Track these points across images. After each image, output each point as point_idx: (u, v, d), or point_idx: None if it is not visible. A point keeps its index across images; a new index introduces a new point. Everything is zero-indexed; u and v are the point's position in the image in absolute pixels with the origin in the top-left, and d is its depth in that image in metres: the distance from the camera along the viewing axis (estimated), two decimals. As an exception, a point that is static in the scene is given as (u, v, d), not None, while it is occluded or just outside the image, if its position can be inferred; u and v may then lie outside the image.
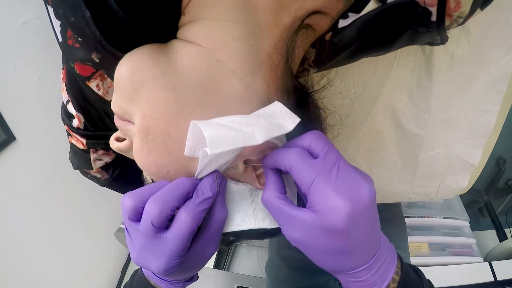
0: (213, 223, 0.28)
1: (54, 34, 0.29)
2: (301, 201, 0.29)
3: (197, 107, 0.25)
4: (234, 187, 0.29)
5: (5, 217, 0.75)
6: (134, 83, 0.25)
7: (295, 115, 0.25)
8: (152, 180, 0.31)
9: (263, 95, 0.26)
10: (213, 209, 0.27)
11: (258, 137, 0.23)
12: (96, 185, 0.53)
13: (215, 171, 0.27)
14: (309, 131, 0.32)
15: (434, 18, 0.23)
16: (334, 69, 0.34)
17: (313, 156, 0.26)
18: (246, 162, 0.28)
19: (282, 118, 0.25)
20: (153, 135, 0.25)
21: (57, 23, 0.27)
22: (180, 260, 0.27)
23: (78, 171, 0.51)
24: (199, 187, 0.26)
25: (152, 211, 0.25)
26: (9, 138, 0.74)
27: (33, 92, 0.77)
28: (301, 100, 0.30)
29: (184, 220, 0.25)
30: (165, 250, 0.26)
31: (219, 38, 0.25)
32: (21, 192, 0.78)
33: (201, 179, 0.27)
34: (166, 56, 0.25)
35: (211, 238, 0.28)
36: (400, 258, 0.30)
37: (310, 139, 0.26)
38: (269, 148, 0.28)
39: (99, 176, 0.49)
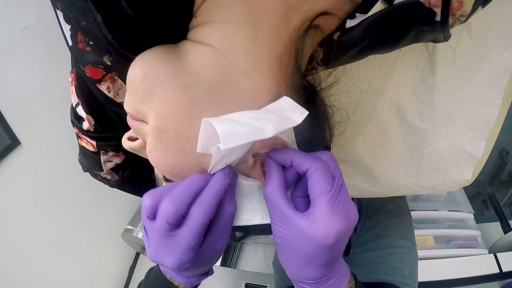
0: (223, 216, 0.28)
1: (63, 37, 0.29)
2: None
3: (210, 106, 0.26)
4: (244, 183, 0.30)
5: (11, 220, 0.75)
6: (148, 84, 0.25)
7: (304, 109, 0.26)
8: (165, 177, 0.31)
9: (273, 93, 0.27)
10: (223, 202, 0.28)
11: (269, 131, 0.24)
12: (101, 187, 0.54)
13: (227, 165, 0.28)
14: (318, 129, 0.33)
15: (438, 18, 0.24)
16: (342, 67, 0.35)
17: None
18: (255, 156, 0.29)
19: (291, 112, 0.26)
20: (166, 134, 0.26)
21: (67, 27, 0.28)
22: (194, 255, 0.27)
23: (84, 174, 0.52)
24: (211, 181, 0.27)
25: (167, 210, 0.26)
26: (14, 142, 0.74)
27: (36, 96, 0.77)
28: (309, 97, 0.31)
29: (197, 215, 0.26)
30: (178, 246, 0.26)
31: (231, 40, 0.26)
32: (28, 196, 0.79)
33: (213, 175, 0.28)
34: (178, 57, 0.26)
35: (222, 231, 0.29)
36: (355, 277, 0.34)
37: (328, 157, 0.28)
38: (278, 143, 0.29)
39: (109, 177, 0.50)
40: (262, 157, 0.29)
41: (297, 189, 0.30)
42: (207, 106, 0.26)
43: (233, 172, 0.28)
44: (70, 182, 0.89)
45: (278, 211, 0.28)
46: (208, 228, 0.28)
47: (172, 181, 0.30)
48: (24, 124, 0.75)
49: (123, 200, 1.13)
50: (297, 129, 0.29)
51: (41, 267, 0.84)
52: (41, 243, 0.83)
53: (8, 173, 0.73)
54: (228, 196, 0.28)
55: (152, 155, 0.28)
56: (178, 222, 0.26)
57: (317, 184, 0.26)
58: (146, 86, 0.25)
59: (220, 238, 0.29)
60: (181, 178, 0.28)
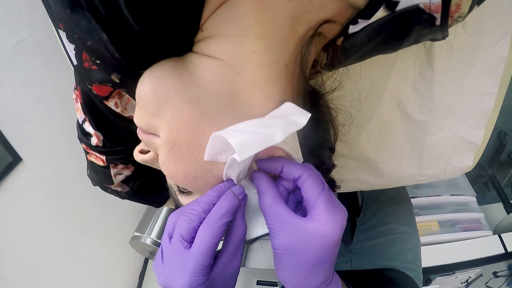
0: (233, 238, 0.29)
1: (67, 57, 0.29)
2: None
3: (220, 117, 0.26)
4: (254, 197, 0.30)
5: (21, 236, 0.76)
6: (158, 99, 0.26)
7: (306, 111, 0.27)
8: (179, 187, 0.32)
9: (281, 102, 0.28)
10: (233, 223, 0.28)
11: (278, 136, 0.24)
12: (106, 196, 0.54)
13: (236, 185, 0.29)
14: (323, 132, 0.33)
15: (438, 22, 0.25)
16: (344, 69, 0.36)
17: None
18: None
19: (294, 116, 0.26)
20: (179, 146, 0.27)
21: (71, 47, 0.27)
22: (205, 277, 0.27)
23: (88, 184, 0.51)
24: (218, 202, 0.28)
25: (180, 224, 0.27)
26: (16, 159, 0.73)
27: (34, 111, 0.77)
28: (315, 102, 0.32)
29: (204, 235, 0.26)
30: (188, 266, 0.27)
31: (239, 53, 0.26)
32: (34, 211, 0.79)
33: (228, 182, 0.28)
34: (187, 71, 0.26)
35: (234, 252, 0.29)
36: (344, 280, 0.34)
37: (311, 166, 0.29)
38: (277, 153, 0.29)
39: (120, 189, 0.50)
40: None
41: (288, 202, 0.30)
42: (218, 118, 0.26)
43: (243, 192, 0.29)
44: (75, 193, 0.89)
45: (280, 220, 0.27)
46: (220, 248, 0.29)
47: (186, 190, 0.31)
48: (24, 140, 0.75)
49: (129, 207, 1.13)
50: (303, 134, 0.30)
51: (53, 278, 0.85)
52: (51, 255, 0.84)
53: (13, 190, 0.73)
54: (238, 218, 0.29)
55: (166, 166, 0.28)
56: (191, 236, 0.27)
57: (313, 188, 0.28)
58: (157, 101, 0.26)
59: (233, 258, 0.29)
60: (193, 186, 0.29)
